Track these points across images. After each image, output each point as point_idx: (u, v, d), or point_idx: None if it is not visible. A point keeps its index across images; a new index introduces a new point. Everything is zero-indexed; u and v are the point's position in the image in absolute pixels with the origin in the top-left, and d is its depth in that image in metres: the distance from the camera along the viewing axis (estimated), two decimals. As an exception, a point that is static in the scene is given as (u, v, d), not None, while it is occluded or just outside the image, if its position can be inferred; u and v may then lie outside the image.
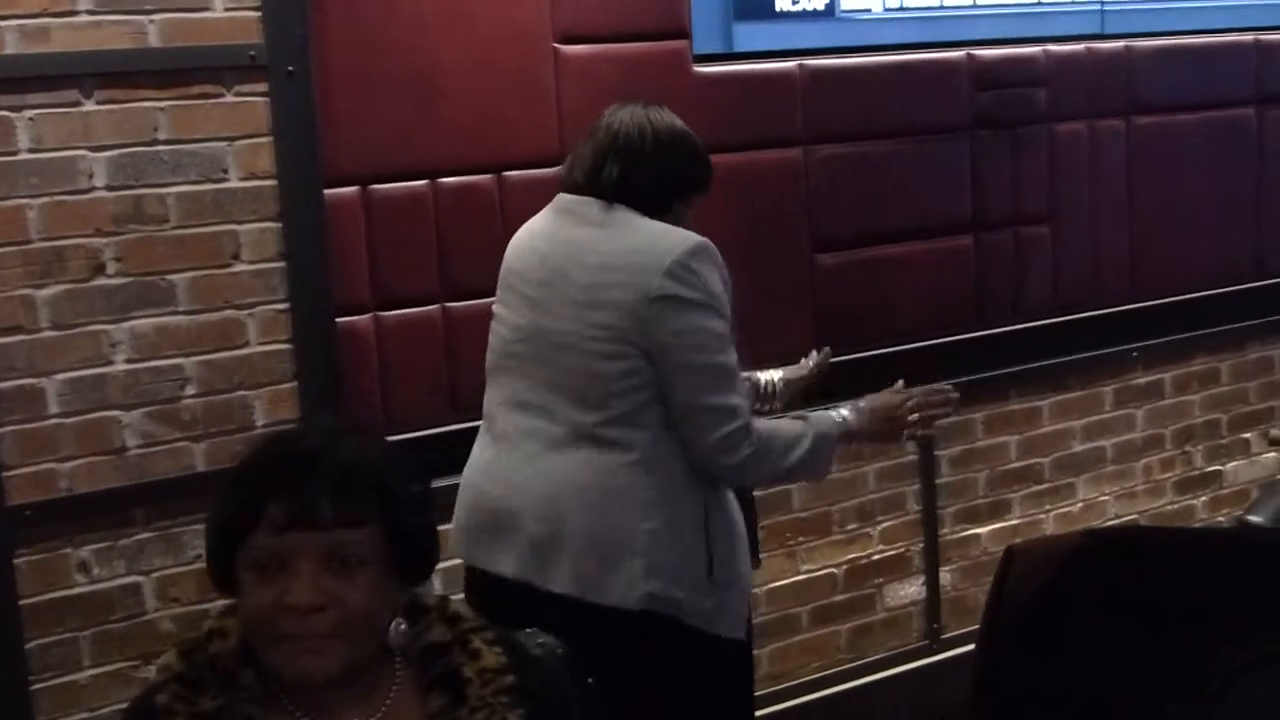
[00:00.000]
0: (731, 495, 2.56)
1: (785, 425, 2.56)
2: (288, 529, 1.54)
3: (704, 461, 2.46)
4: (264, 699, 1.57)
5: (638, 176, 2.49)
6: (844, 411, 2.62)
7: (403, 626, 1.64)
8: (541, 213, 2.62)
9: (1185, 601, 1.87)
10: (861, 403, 2.66)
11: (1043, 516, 4.06)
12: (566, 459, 2.45)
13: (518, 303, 2.56)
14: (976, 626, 1.94)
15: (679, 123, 2.58)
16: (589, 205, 2.51)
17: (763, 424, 2.52)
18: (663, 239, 2.44)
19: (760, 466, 2.48)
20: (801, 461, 2.53)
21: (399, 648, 1.65)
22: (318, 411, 2.95)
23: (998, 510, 3.98)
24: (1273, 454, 4.41)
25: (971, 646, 2.01)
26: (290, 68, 2.88)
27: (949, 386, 2.77)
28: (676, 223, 2.51)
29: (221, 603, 1.65)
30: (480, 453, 2.61)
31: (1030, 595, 1.98)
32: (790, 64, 3.57)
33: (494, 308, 2.65)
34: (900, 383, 2.74)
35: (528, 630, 1.90)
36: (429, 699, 1.64)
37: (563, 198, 2.57)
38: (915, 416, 2.70)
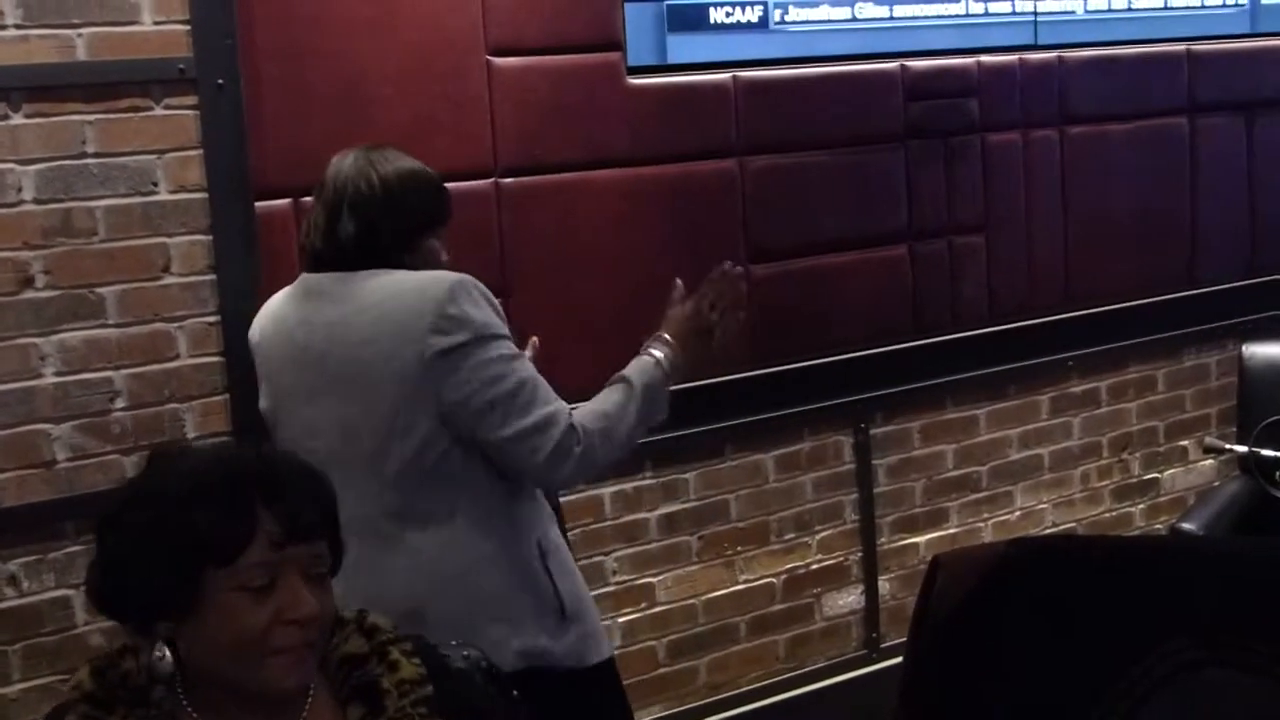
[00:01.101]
0: (551, 521, 2.54)
1: (606, 399, 2.46)
2: (285, 543, 1.54)
3: (543, 480, 2.42)
4: (175, 716, 1.57)
5: (375, 227, 2.40)
6: (654, 351, 2.52)
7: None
8: (286, 294, 2.51)
9: (1110, 609, 1.88)
10: (664, 333, 2.55)
11: (980, 525, 4.09)
12: (399, 550, 2.36)
13: (288, 398, 2.46)
14: (914, 607, 1.95)
15: (405, 160, 2.49)
16: (334, 282, 2.40)
17: (584, 412, 2.42)
18: (418, 295, 2.33)
19: (599, 453, 2.41)
20: (639, 422, 2.46)
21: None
22: (250, 424, 2.94)
23: (935, 519, 4.01)
24: (1209, 461, 4.46)
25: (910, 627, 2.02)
26: (219, 80, 2.88)
27: (727, 263, 2.60)
28: (426, 262, 2.43)
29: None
30: None
31: (955, 604, 1.99)
32: (724, 75, 3.59)
33: (261, 403, 2.55)
34: (678, 284, 2.60)
35: (453, 643, 1.90)
36: (347, 711, 1.63)
37: (306, 279, 2.46)
38: (715, 315, 2.57)
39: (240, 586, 1.52)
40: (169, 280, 2.87)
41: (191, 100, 2.86)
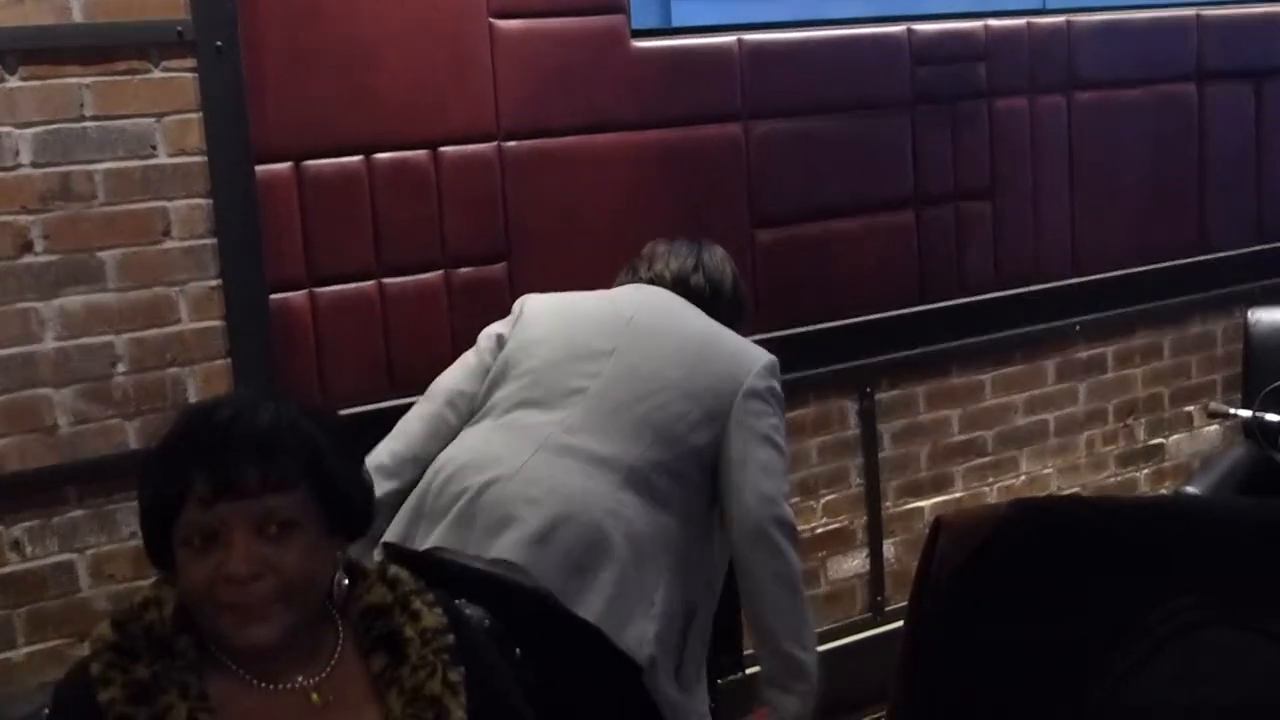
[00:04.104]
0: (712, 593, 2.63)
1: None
2: (215, 500, 1.55)
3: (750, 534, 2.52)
4: (202, 664, 1.59)
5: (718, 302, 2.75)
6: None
7: (345, 582, 1.65)
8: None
9: (1113, 569, 1.87)
10: None
11: (985, 490, 4.08)
12: (612, 493, 2.44)
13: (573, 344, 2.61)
14: (916, 568, 1.95)
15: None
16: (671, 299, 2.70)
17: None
18: (745, 351, 2.62)
19: (792, 558, 2.57)
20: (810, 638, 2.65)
21: (340, 608, 1.66)
22: (251, 386, 2.94)
23: (940, 484, 4.00)
24: (1214, 427, 4.44)
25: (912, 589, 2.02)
26: (219, 43, 2.86)
27: None
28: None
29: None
30: (488, 442, 2.52)
31: (958, 565, 1.98)
32: (729, 38, 3.56)
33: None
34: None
35: (457, 600, 1.91)
36: (371, 659, 1.66)
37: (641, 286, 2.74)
38: None
39: (184, 542, 1.56)
40: (169, 244, 2.86)
41: (190, 63, 2.84)
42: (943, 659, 2.00)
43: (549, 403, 2.52)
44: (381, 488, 2.37)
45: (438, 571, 2.36)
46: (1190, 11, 4.33)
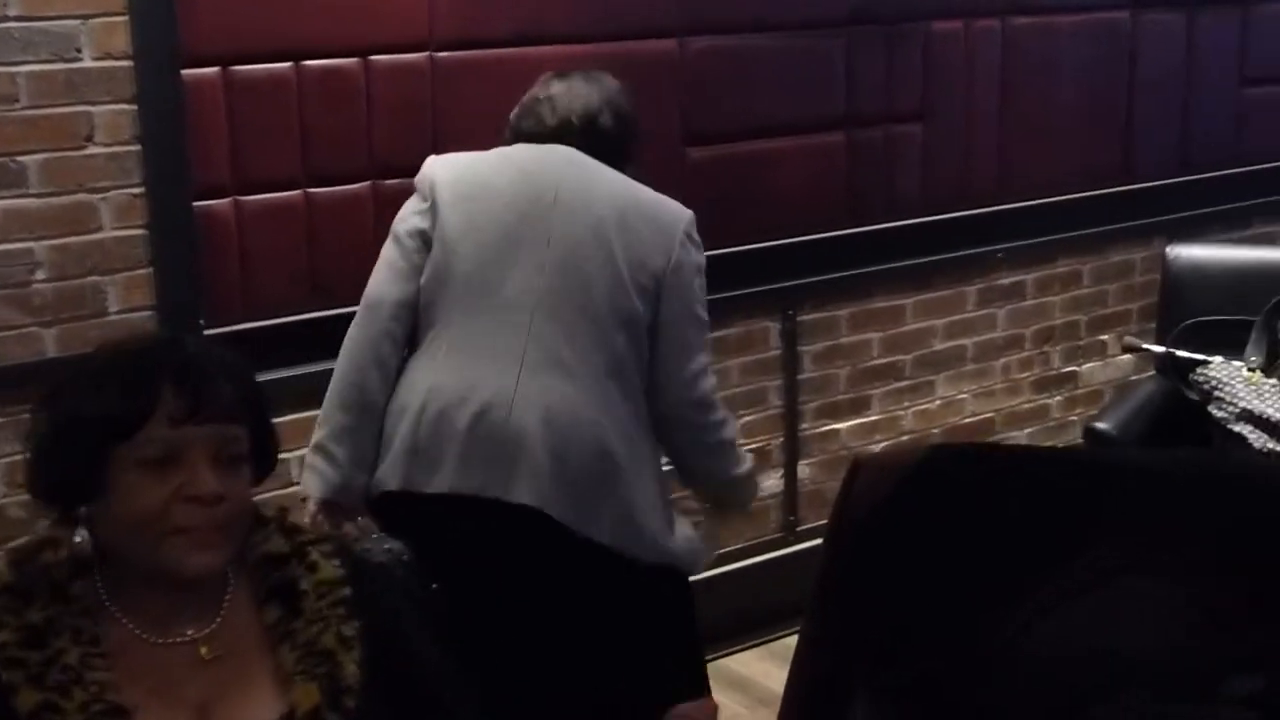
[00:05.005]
0: None
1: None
2: (185, 421, 1.55)
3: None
4: (95, 612, 1.57)
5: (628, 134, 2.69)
6: None
7: None
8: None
9: (1028, 517, 1.92)
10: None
11: (901, 413, 4.14)
12: (599, 392, 2.46)
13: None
14: (831, 509, 1.99)
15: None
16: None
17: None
18: (668, 209, 2.63)
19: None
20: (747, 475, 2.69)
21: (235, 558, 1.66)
22: (174, 297, 2.91)
23: (858, 406, 4.05)
24: (1127, 357, 4.51)
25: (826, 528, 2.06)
26: (147, -57, 2.79)
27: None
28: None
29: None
30: (463, 368, 2.47)
31: (873, 506, 2.02)
32: (668, -47, 3.52)
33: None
34: None
35: (374, 535, 1.91)
36: (264, 610, 1.65)
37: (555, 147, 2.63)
38: None
39: (141, 461, 1.54)
40: (93, 150, 2.80)
41: (118, -37, 2.77)
42: (857, 596, 2.04)
43: (505, 312, 2.46)
44: (344, 445, 2.48)
45: (457, 513, 2.42)
46: (1128, -61, 4.34)
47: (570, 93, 2.63)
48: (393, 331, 2.52)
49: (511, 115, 2.69)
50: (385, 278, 2.54)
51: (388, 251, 2.56)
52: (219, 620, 1.62)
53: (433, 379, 2.47)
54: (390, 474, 2.47)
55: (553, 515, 2.40)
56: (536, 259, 2.47)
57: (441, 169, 2.57)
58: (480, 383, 2.43)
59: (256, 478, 1.67)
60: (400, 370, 2.53)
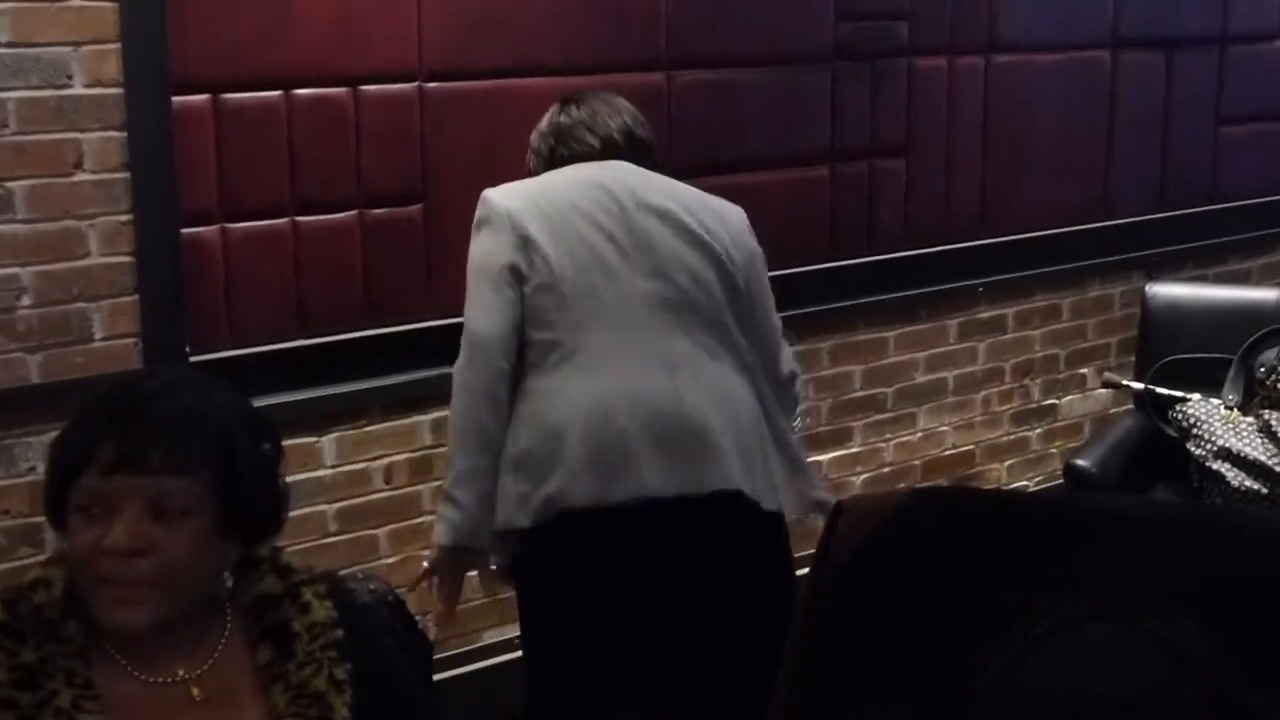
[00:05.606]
0: None
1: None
2: (115, 471, 1.54)
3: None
4: (88, 651, 1.56)
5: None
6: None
7: (230, 583, 1.64)
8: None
9: (998, 563, 1.93)
10: None
11: (883, 445, 4.16)
12: (729, 372, 2.58)
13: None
14: (814, 550, 2.01)
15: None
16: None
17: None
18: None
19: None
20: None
21: (231, 597, 1.66)
22: (160, 325, 2.91)
23: (840, 438, 4.07)
24: (1106, 390, 4.55)
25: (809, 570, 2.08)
26: (140, -29, 2.79)
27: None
28: None
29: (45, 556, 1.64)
30: (603, 384, 2.49)
31: (855, 548, 2.03)
32: (656, -13, 3.55)
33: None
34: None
35: (359, 576, 1.92)
36: (257, 651, 1.64)
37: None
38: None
39: (76, 508, 1.54)
40: (81, 177, 2.80)
41: (111, -10, 2.77)
42: (836, 637, 2.06)
43: (625, 320, 2.51)
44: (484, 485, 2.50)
45: (651, 516, 2.47)
46: (1109, -21, 4.38)
47: (598, 114, 2.70)
48: (505, 369, 2.52)
49: (538, 145, 2.73)
50: (487, 317, 2.51)
51: (481, 290, 2.53)
52: (212, 660, 1.62)
53: (582, 395, 2.48)
54: (571, 491, 2.46)
55: (745, 492, 2.50)
56: (637, 266, 2.54)
57: (513, 200, 2.57)
58: (637, 389, 2.49)
59: (248, 539, 1.65)
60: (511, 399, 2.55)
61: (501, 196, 2.57)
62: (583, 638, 2.55)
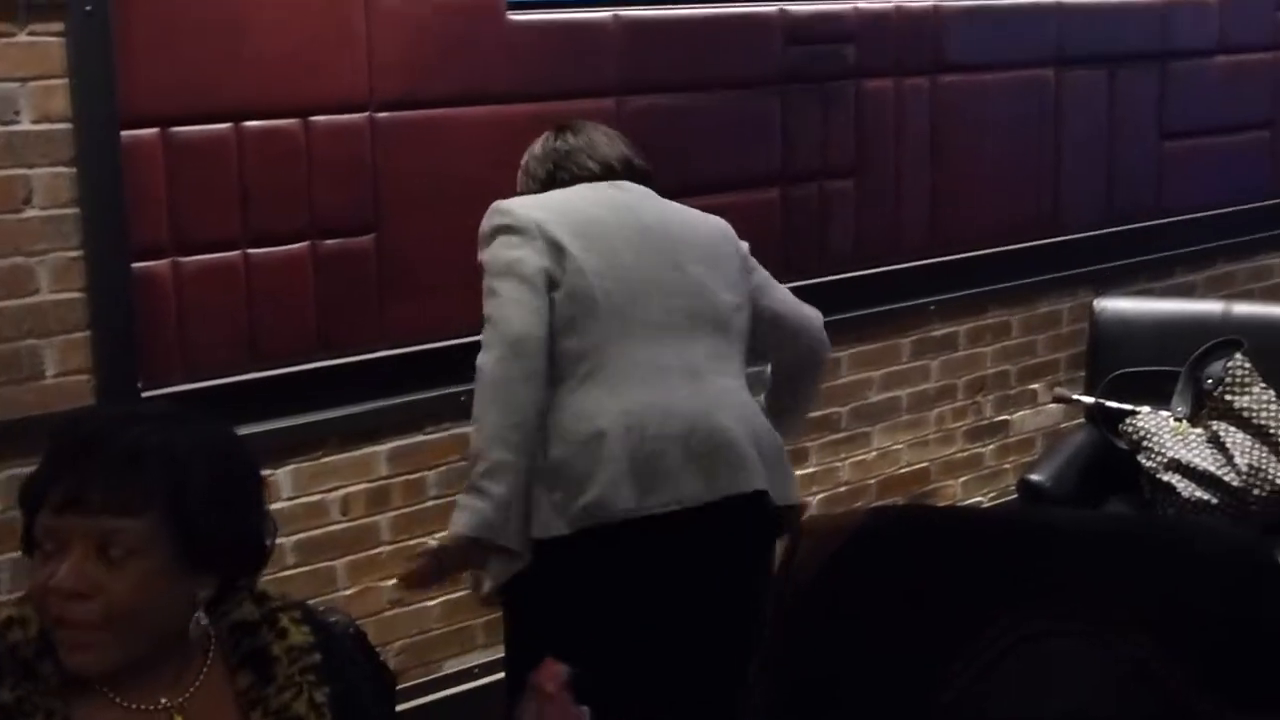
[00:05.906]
0: None
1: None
2: (63, 511, 1.53)
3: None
4: (66, 687, 1.56)
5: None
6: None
7: (204, 621, 1.63)
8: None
9: (957, 580, 1.94)
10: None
11: (839, 465, 4.18)
12: (742, 383, 2.66)
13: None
14: (776, 571, 2.03)
15: None
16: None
17: None
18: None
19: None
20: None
21: (210, 627, 1.65)
22: (112, 360, 2.90)
23: (796, 458, 4.04)
24: (1057, 405, 4.59)
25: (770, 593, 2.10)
26: (88, 6, 2.78)
27: None
28: None
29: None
30: (637, 394, 2.51)
31: (817, 568, 2.04)
32: (605, 13, 3.56)
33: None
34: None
35: (322, 609, 1.91)
36: (237, 677, 1.65)
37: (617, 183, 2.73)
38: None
39: (36, 545, 1.55)
40: (30, 213, 2.79)
41: (58, 26, 2.76)
42: (800, 660, 2.07)
43: (654, 333, 2.56)
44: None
45: (684, 524, 2.52)
46: (1051, -1, 4.44)
47: (596, 143, 2.74)
48: (542, 369, 2.49)
49: (535, 169, 2.73)
50: (525, 317, 2.49)
51: (515, 292, 2.50)
52: (194, 688, 1.62)
53: (618, 404, 2.50)
54: (613, 499, 2.46)
55: (772, 495, 2.59)
56: (662, 281, 2.60)
57: (537, 212, 2.57)
58: (669, 400, 2.53)
59: (222, 575, 1.63)
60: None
61: (524, 207, 2.58)
62: (603, 647, 2.49)
